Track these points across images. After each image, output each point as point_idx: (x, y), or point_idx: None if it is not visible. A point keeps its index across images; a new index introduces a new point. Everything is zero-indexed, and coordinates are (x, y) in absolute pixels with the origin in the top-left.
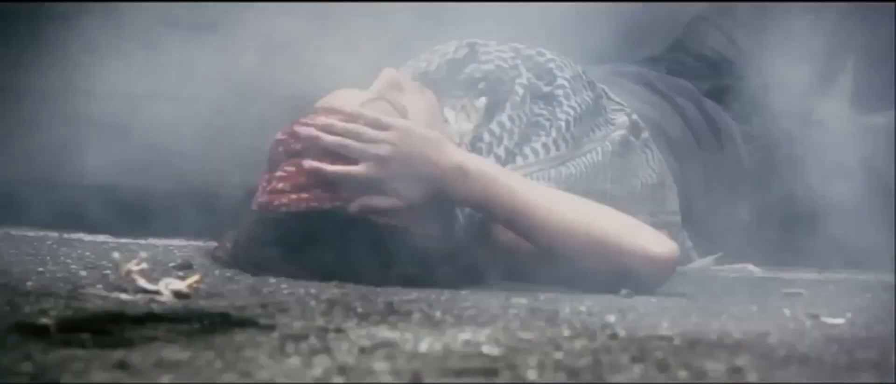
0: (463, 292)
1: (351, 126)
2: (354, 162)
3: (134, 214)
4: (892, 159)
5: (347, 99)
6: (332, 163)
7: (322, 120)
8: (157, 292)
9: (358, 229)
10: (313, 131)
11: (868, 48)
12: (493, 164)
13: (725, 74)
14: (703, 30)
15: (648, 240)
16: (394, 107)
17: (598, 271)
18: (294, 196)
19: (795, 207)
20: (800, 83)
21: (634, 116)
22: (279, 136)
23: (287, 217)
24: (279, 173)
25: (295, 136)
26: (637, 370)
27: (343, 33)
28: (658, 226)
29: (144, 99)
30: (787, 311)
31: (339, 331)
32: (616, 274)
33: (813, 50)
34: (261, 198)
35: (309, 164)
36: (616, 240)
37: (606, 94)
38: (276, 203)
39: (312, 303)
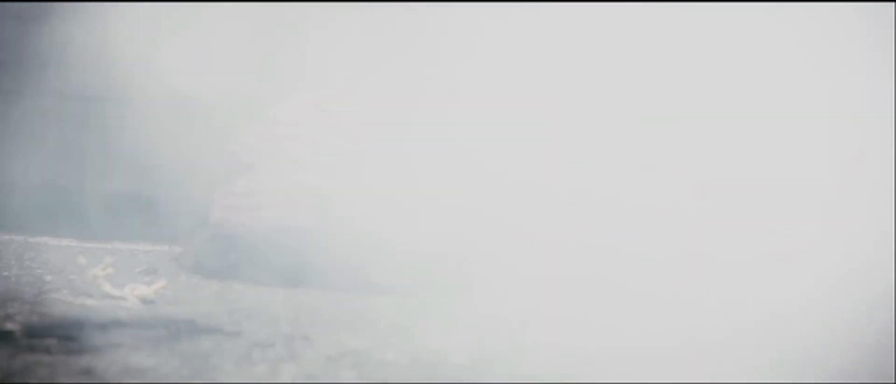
0: (430, 300)
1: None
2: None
3: (99, 218)
4: None
5: (297, 105)
6: (292, 174)
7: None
8: (122, 298)
9: (318, 242)
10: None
11: None
12: None
13: None
14: None
15: None
16: None
17: None
18: (254, 214)
19: None
20: None
21: None
22: (232, 147)
23: (246, 234)
24: (234, 188)
25: (248, 148)
26: None
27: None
28: None
29: (107, 102)
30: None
31: (305, 338)
32: None
33: None
34: (218, 213)
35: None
36: None
37: None
38: (234, 221)
39: (278, 309)
